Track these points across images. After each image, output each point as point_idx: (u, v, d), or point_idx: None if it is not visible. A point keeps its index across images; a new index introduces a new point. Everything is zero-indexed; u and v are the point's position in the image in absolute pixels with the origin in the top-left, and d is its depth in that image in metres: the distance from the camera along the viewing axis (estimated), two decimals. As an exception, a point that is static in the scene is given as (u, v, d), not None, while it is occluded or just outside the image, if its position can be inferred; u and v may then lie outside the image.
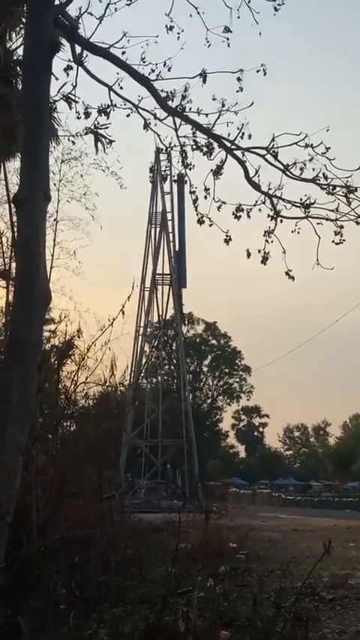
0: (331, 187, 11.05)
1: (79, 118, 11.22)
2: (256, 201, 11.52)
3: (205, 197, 11.67)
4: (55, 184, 33.09)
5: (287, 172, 11.16)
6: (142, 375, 53.45)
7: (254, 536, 18.17)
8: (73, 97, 10.63)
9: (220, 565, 12.42)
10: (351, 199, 10.97)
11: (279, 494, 71.37)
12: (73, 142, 22.22)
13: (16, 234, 10.41)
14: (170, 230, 52.41)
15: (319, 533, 20.33)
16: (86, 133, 11.30)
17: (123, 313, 11.76)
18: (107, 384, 14.23)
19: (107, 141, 11.12)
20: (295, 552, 15.23)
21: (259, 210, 11.55)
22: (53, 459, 11.92)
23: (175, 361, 60.21)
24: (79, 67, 10.61)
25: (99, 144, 11.04)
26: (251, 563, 13.59)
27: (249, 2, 11.33)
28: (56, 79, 9.35)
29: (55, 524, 10.54)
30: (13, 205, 14.01)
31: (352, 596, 10.52)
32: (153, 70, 10.93)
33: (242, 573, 12.29)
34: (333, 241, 11.36)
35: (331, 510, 48.49)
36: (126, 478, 40.82)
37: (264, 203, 11.54)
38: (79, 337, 12.68)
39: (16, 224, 11.06)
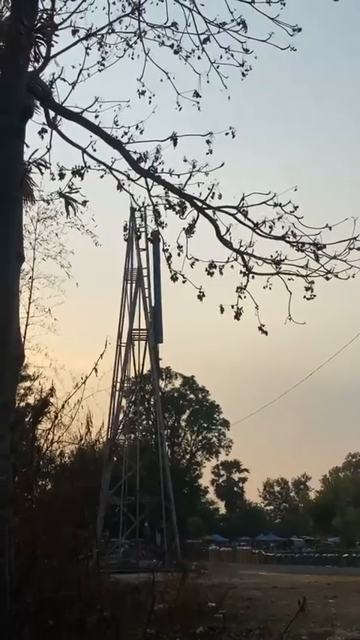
0: (300, 245, 11.31)
1: (53, 179, 11.48)
2: (228, 258, 11.75)
3: (179, 254, 11.86)
4: (30, 243, 33.37)
5: (257, 230, 11.42)
6: (120, 431, 52.99)
7: (233, 594, 17.87)
8: (44, 163, 10.85)
9: (198, 625, 12.21)
10: (320, 256, 11.22)
11: (259, 552, 70.39)
12: (48, 202, 22.55)
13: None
14: (146, 286, 52.76)
15: (299, 590, 20.07)
16: (58, 198, 11.53)
17: (96, 371, 11.77)
18: (83, 442, 14.11)
19: (80, 203, 11.32)
20: (275, 610, 15.03)
21: (232, 266, 11.76)
22: (28, 519, 11.74)
23: (152, 416, 59.84)
24: (53, 131, 10.89)
25: (70, 207, 11.24)
26: (230, 622, 13.36)
27: (218, 68, 11.80)
28: (27, 146, 9.54)
29: (29, 586, 10.35)
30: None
31: (331, 654, 10.40)
32: (126, 133, 11.25)
33: (220, 633, 12.08)
34: (304, 297, 11.56)
35: (312, 566, 47.94)
36: (103, 536, 40.12)
37: (236, 260, 11.75)
38: (52, 395, 12.62)
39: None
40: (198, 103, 11.85)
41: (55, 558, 12.43)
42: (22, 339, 9.66)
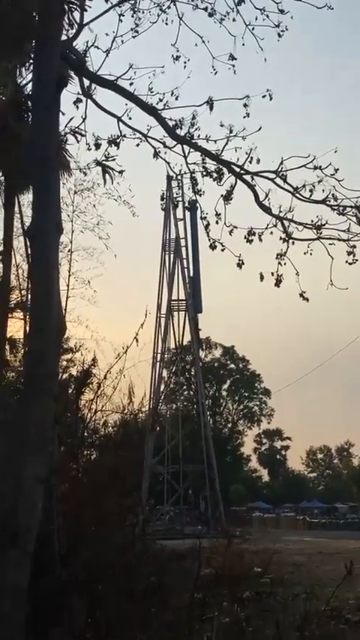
0: (341, 208, 11.10)
1: (89, 149, 11.40)
2: (268, 225, 11.56)
3: (217, 222, 11.72)
4: (68, 215, 33.54)
5: (297, 195, 11.22)
6: (161, 401, 53.36)
7: (279, 560, 17.98)
8: (80, 131, 10.78)
9: (244, 590, 12.33)
10: (362, 219, 11.01)
11: (304, 518, 70.61)
12: (85, 174, 22.58)
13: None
14: (184, 256, 52.56)
15: (345, 556, 20.08)
16: (95, 166, 11.47)
17: (137, 341, 11.81)
18: (125, 412, 14.23)
19: (116, 172, 11.26)
20: (320, 575, 15.10)
21: (271, 233, 11.58)
22: (74, 488, 11.91)
23: (193, 386, 60.14)
24: (88, 100, 10.80)
25: (107, 176, 11.17)
26: (276, 587, 13.47)
27: (253, 30, 11.55)
28: (63, 114, 9.47)
29: (77, 553, 10.52)
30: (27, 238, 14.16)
31: (378, 618, 10.41)
32: (161, 100, 11.09)
33: (267, 598, 12.19)
34: (346, 261, 11.39)
35: (357, 532, 47.93)
36: (148, 504, 40.67)
37: (275, 226, 11.56)
38: (94, 366, 12.72)
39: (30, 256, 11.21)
40: (234, 66, 11.64)
41: (102, 526, 12.61)
42: (63, 311, 9.72)
